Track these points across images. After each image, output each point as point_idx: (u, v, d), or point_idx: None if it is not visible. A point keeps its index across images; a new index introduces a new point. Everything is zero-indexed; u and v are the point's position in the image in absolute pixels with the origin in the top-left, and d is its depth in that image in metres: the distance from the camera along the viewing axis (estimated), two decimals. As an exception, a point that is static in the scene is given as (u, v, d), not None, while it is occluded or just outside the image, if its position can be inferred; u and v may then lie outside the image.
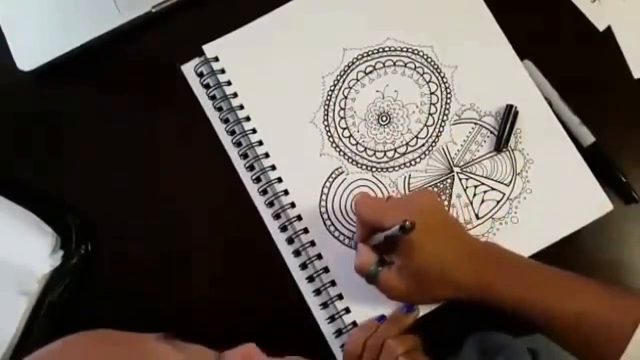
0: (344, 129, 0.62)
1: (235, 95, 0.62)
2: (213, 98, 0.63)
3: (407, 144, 0.61)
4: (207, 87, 0.63)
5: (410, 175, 0.61)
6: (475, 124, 0.61)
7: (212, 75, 0.62)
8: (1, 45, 0.63)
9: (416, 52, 0.63)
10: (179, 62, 0.63)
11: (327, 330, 0.59)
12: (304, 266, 0.59)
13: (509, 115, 0.60)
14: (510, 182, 0.60)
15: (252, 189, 0.61)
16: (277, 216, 0.60)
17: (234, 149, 0.62)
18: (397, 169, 0.61)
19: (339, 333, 0.58)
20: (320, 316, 0.59)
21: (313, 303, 0.59)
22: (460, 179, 0.61)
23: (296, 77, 0.63)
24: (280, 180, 0.60)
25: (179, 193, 0.62)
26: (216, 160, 0.62)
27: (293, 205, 0.60)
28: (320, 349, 0.58)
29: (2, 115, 0.65)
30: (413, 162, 0.61)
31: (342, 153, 0.61)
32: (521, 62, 0.62)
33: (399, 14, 0.64)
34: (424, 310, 0.57)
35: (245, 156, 0.62)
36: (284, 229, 0.60)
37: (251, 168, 0.62)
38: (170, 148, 0.63)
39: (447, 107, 0.62)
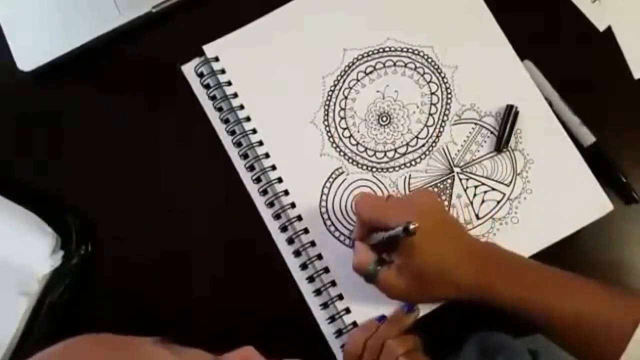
0: (344, 129, 0.62)
1: (235, 95, 0.62)
2: (213, 98, 0.63)
3: (407, 144, 0.61)
4: (207, 87, 0.63)
5: (410, 175, 0.61)
6: (475, 124, 0.61)
7: (212, 75, 0.62)
8: (1, 45, 0.63)
9: (416, 52, 0.63)
10: (179, 62, 0.63)
11: (327, 330, 0.59)
12: (304, 266, 0.59)
13: (509, 115, 0.60)
14: (510, 182, 0.60)
15: (252, 189, 0.61)
16: (277, 216, 0.60)
17: (234, 149, 0.62)
18: (397, 169, 0.61)
19: (339, 333, 0.58)
20: (320, 316, 0.59)
21: (313, 303, 0.59)
22: (460, 179, 0.61)
23: (296, 77, 0.63)
24: (280, 180, 0.60)
25: (179, 193, 0.62)
26: (216, 160, 0.62)
27: (293, 205, 0.60)
28: (320, 349, 0.58)
29: (2, 115, 0.65)
30: (413, 162, 0.61)
31: (342, 153, 0.61)
32: (521, 62, 0.62)
33: (399, 14, 0.64)
34: (424, 310, 0.57)
35: (245, 156, 0.62)
36: (284, 229, 0.60)
37: (251, 168, 0.62)
38: (170, 148, 0.63)
39: (447, 107, 0.62)
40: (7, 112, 0.65)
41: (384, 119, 0.62)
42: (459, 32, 0.63)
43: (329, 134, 0.62)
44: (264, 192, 0.61)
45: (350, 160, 0.61)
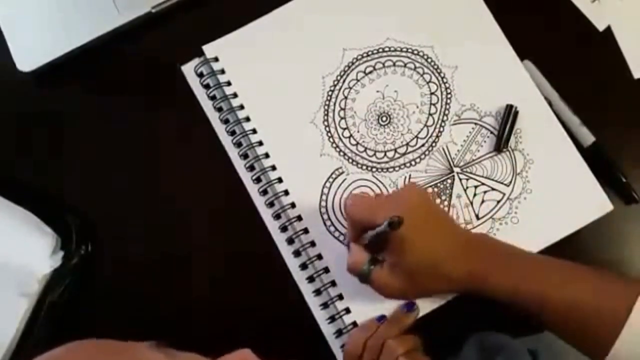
0: (344, 129, 0.62)
1: (235, 95, 0.62)
2: (213, 98, 0.63)
3: (407, 144, 0.61)
4: (206, 87, 0.63)
5: (410, 175, 0.61)
6: (475, 124, 0.61)
7: (212, 75, 0.62)
8: (1, 46, 0.63)
9: (416, 52, 0.63)
10: (179, 62, 0.63)
11: (327, 330, 0.59)
12: (304, 266, 0.59)
13: (509, 115, 0.60)
14: (510, 182, 0.60)
15: (252, 189, 0.61)
16: (277, 216, 0.60)
17: (234, 149, 0.62)
18: (397, 169, 0.61)
19: (339, 333, 0.58)
20: (320, 316, 0.59)
21: (313, 303, 0.59)
22: (460, 179, 0.61)
23: (296, 77, 0.63)
24: (280, 180, 0.60)
25: (179, 193, 0.62)
26: (216, 160, 0.62)
27: (293, 205, 0.60)
28: (320, 349, 0.58)
29: (2, 115, 0.65)
30: (413, 162, 0.61)
31: (342, 153, 0.61)
32: (521, 62, 0.62)
33: (399, 14, 0.64)
34: (424, 310, 0.57)
35: (245, 156, 0.62)
36: (284, 229, 0.60)
37: (251, 168, 0.62)
38: (170, 148, 0.63)
39: (447, 107, 0.62)
40: (7, 112, 0.65)
41: (384, 119, 0.62)
42: (459, 32, 0.63)
43: (329, 134, 0.62)
44: (264, 192, 0.61)
45: (350, 160, 0.61)
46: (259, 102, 0.62)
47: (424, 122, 0.62)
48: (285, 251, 0.60)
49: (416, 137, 0.62)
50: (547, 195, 0.59)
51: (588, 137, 0.61)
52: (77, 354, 0.39)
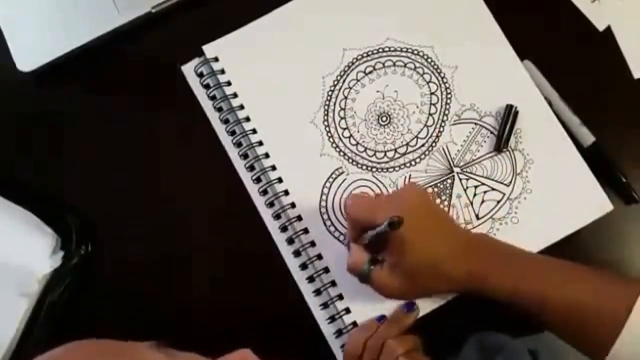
0: (344, 129, 0.62)
1: (235, 95, 0.62)
2: (213, 98, 0.63)
3: (407, 144, 0.61)
4: (207, 87, 0.63)
5: (410, 175, 0.61)
6: (475, 124, 0.62)
7: (212, 75, 0.62)
8: (1, 46, 0.63)
9: (416, 52, 0.63)
10: (179, 62, 0.63)
11: (327, 330, 0.59)
12: (304, 266, 0.59)
13: (509, 115, 0.60)
14: (510, 182, 0.60)
15: (252, 189, 0.61)
16: (277, 216, 0.60)
17: (234, 149, 0.62)
18: (397, 169, 0.61)
19: (339, 333, 0.58)
20: (320, 316, 0.59)
21: (313, 303, 0.59)
22: (460, 179, 0.61)
23: (296, 77, 0.63)
24: (280, 180, 0.60)
25: (179, 193, 0.62)
26: (216, 160, 0.62)
27: (293, 205, 0.60)
28: (320, 349, 0.58)
29: (2, 115, 0.65)
30: (413, 162, 0.61)
31: (342, 153, 0.61)
32: (521, 62, 0.62)
33: (399, 14, 0.64)
34: (424, 310, 0.57)
35: (245, 156, 0.62)
36: (284, 229, 0.60)
37: (251, 168, 0.62)
38: (170, 148, 0.63)
39: (447, 107, 0.62)
40: (7, 112, 0.65)
41: (384, 119, 0.62)
42: (459, 32, 0.63)
43: (329, 134, 0.62)
44: (264, 192, 0.61)
45: (350, 160, 0.61)
46: (259, 102, 0.62)
47: (424, 122, 0.62)
48: (285, 251, 0.60)
49: (416, 137, 0.62)
50: (547, 195, 0.59)
51: (588, 137, 0.61)
52: (77, 354, 0.39)
